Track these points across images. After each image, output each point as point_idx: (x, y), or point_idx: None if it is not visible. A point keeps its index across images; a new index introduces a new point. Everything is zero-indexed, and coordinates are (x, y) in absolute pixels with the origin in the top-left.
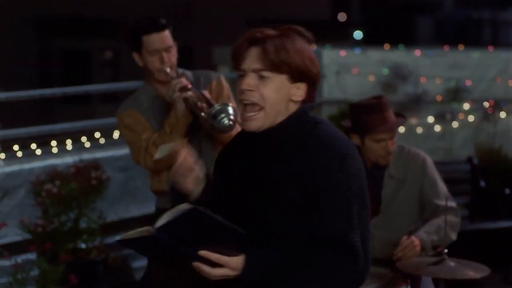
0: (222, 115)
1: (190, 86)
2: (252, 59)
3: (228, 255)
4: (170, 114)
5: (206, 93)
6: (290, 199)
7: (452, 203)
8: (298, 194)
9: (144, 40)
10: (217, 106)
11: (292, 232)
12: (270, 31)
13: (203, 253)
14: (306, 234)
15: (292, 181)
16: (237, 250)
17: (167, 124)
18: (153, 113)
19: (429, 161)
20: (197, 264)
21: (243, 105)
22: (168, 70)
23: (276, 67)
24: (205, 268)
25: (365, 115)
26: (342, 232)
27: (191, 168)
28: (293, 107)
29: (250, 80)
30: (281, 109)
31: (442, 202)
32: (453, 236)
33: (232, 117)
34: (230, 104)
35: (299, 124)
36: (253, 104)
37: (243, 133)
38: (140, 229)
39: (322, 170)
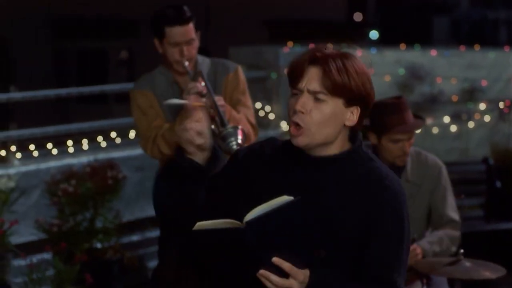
0: (232, 139)
1: (204, 91)
2: (311, 80)
3: (296, 267)
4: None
5: (219, 99)
6: (346, 232)
7: (456, 217)
8: (352, 229)
9: (166, 31)
10: (228, 128)
11: (341, 264)
12: (330, 51)
13: (277, 260)
14: (356, 269)
15: (350, 216)
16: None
17: (178, 122)
18: (168, 96)
19: (445, 171)
20: (264, 272)
21: (294, 124)
22: (186, 63)
23: (335, 90)
24: (274, 278)
25: (384, 115)
26: (390, 275)
27: (201, 131)
28: (344, 133)
29: (306, 102)
30: (331, 133)
31: (448, 214)
32: (453, 249)
33: (240, 141)
34: (240, 127)
35: (355, 158)
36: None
37: (288, 145)
38: (215, 221)
39: (381, 212)
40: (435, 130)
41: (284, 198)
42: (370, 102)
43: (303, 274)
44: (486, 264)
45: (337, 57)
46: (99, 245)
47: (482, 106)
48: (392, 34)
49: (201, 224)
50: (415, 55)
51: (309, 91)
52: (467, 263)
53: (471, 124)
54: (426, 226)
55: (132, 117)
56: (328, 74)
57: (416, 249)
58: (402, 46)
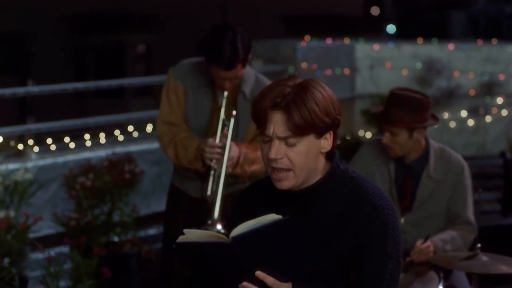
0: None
1: (218, 157)
2: (276, 127)
3: (280, 280)
4: (200, 148)
5: (235, 153)
6: (335, 257)
7: (473, 220)
8: (341, 253)
9: (212, 67)
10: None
11: (328, 278)
12: (287, 89)
13: (260, 274)
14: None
15: (337, 240)
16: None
17: (194, 153)
18: (198, 97)
19: (468, 171)
20: (247, 284)
21: (273, 169)
22: (225, 95)
23: (303, 131)
24: None
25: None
26: None
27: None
28: (322, 159)
29: (278, 149)
30: (312, 166)
31: (465, 215)
32: (464, 253)
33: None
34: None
35: (336, 181)
36: (284, 169)
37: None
38: (199, 233)
39: (362, 231)
40: (452, 124)
41: (272, 216)
42: (339, 122)
43: (286, 287)
44: (504, 259)
45: (296, 96)
46: (116, 239)
47: (500, 100)
48: (409, 28)
49: (185, 236)
50: (433, 49)
51: (278, 138)
52: (484, 258)
53: (488, 119)
54: (445, 222)
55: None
56: (291, 119)
57: (430, 246)
58: (420, 40)
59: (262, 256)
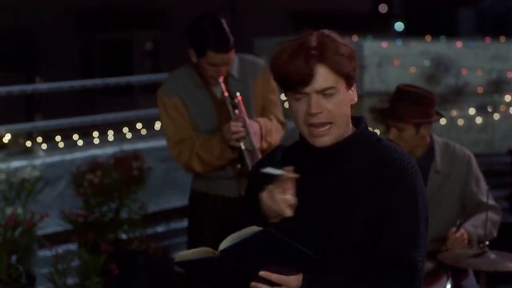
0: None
1: (245, 134)
2: (318, 80)
3: (287, 274)
4: (221, 140)
5: (252, 125)
6: (362, 219)
7: (494, 202)
8: (368, 214)
9: (208, 54)
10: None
11: (360, 251)
12: (312, 42)
13: (264, 274)
14: (373, 253)
15: (363, 201)
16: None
17: (218, 148)
18: (197, 101)
19: (473, 159)
20: (256, 284)
21: (311, 125)
22: (221, 80)
23: (340, 79)
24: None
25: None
26: (408, 253)
27: (293, 204)
28: (348, 111)
29: (318, 103)
30: (347, 119)
31: (485, 199)
32: (495, 233)
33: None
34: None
35: (364, 141)
36: (324, 123)
37: (293, 148)
38: (195, 250)
39: (391, 189)
40: (460, 122)
41: (254, 229)
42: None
43: (296, 279)
44: (511, 257)
45: (325, 46)
46: (124, 236)
47: (508, 98)
48: (418, 25)
49: (182, 255)
50: (441, 47)
51: (316, 91)
52: (492, 255)
53: (496, 116)
54: (457, 215)
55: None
56: (331, 67)
57: (464, 234)
58: (428, 37)
59: (256, 263)
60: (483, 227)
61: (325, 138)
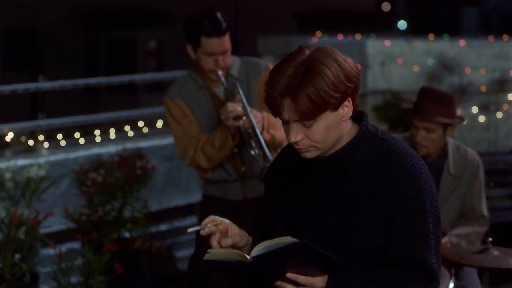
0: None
1: (242, 112)
2: (289, 112)
3: (313, 275)
4: (221, 130)
5: (255, 115)
6: (371, 221)
7: (487, 214)
8: (376, 216)
9: (202, 41)
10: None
11: (371, 253)
12: (294, 70)
13: (290, 275)
14: (385, 255)
15: (371, 204)
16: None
17: (218, 139)
18: (199, 103)
19: (482, 167)
20: (281, 283)
21: (295, 146)
22: (220, 73)
23: (316, 112)
24: (291, 286)
25: (417, 98)
26: (419, 255)
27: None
28: (347, 124)
29: (297, 132)
30: (335, 137)
31: (481, 210)
32: (477, 246)
33: None
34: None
35: (365, 143)
36: (306, 147)
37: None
38: (225, 250)
39: (397, 192)
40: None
41: (288, 239)
42: (357, 86)
43: (321, 280)
44: None
45: (303, 78)
46: (127, 235)
47: (511, 96)
48: (421, 24)
49: (212, 254)
50: (444, 46)
51: (295, 121)
52: (496, 252)
53: (499, 115)
54: (457, 216)
55: (161, 107)
56: (301, 104)
57: (446, 242)
58: (431, 36)
59: (284, 268)
60: (466, 238)
61: (309, 154)
